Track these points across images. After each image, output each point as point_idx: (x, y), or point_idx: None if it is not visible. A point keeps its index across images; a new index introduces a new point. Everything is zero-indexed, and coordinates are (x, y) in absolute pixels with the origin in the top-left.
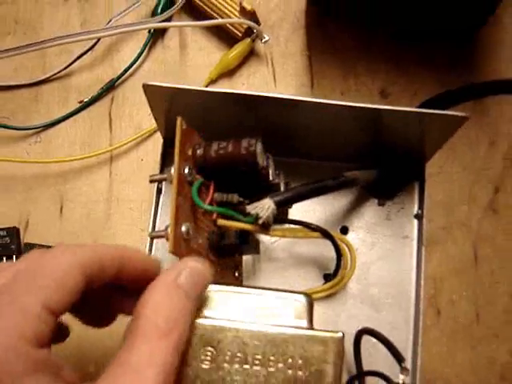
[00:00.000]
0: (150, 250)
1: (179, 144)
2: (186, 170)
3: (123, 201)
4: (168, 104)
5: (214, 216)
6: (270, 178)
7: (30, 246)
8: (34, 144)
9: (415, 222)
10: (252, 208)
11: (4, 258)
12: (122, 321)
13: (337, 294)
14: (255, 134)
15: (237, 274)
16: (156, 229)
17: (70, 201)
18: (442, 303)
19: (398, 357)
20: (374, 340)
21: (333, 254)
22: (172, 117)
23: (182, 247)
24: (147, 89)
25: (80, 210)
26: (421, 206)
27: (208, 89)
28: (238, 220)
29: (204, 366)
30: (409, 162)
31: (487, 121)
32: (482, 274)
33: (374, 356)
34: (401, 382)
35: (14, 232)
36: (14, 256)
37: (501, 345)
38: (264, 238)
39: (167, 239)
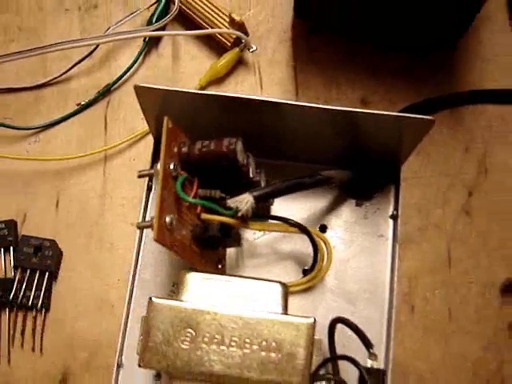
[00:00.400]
0: (140, 240)
1: (165, 141)
2: (171, 166)
3: (115, 197)
4: (158, 105)
5: (198, 210)
6: (251, 175)
7: (27, 238)
8: (33, 143)
9: (391, 221)
10: (232, 202)
11: (2, 249)
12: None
13: (315, 287)
14: (236, 135)
15: (220, 266)
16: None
17: (65, 196)
18: (416, 300)
19: (367, 343)
20: (349, 332)
21: (311, 250)
22: (161, 118)
23: (165, 236)
24: (138, 90)
25: (75, 206)
26: (396, 207)
27: (194, 90)
28: (220, 213)
29: (184, 347)
30: (385, 165)
31: (463, 128)
32: (455, 273)
33: (348, 346)
34: (369, 365)
35: (11, 224)
36: (12, 248)
37: (472, 342)
38: (247, 235)
39: (152, 228)
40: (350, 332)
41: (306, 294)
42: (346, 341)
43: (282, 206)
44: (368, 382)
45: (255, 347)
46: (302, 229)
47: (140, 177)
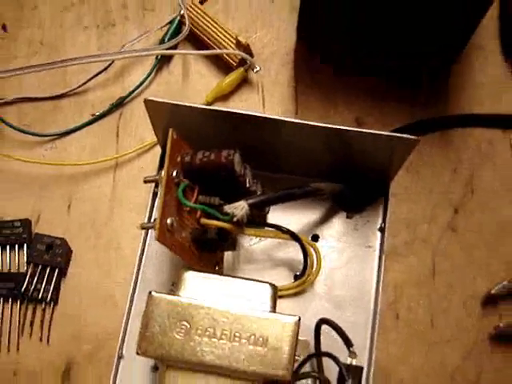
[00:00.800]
0: (144, 242)
1: (169, 151)
2: (174, 173)
3: (124, 202)
4: (166, 118)
5: (198, 215)
6: (247, 185)
7: (40, 236)
8: (49, 149)
9: (379, 234)
10: (228, 208)
11: (16, 246)
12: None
13: (305, 292)
14: (235, 147)
15: (217, 269)
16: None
17: (77, 200)
18: (400, 309)
19: (347, 342)
20: (335, 336)
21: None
22: (168, 129)
23: (166, 236)
24: (148, 104)
25: (86, 208)
26: (384, 220)
27: (198, 105)
28: (217, 218)
29: (178, 337)
30: (375, 181)
31: (452, 150)
32: (438, 286)
33: (333, 346)
34: (348, 362)
35: (26, 223)
36: (26, 244)
37: (452, 350)
38: (244, 241)
39: (154, 229)
40: (335, 335)
41: (297, 298)
42: (332, 343)
43: (278, 216)
44: (346, 377)
45: (244, 341)
46: (293, 236)
47: (146, 182)
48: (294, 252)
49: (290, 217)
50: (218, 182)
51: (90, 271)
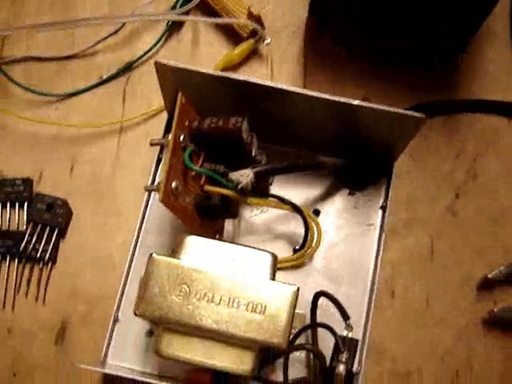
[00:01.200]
0: (146, 205)
1: (177, 115)
2: (181, 138)
3: (128, 166)
4: (174, 82)
5: (202, 181)
6: (253, 153)
7: (41, 196)
8: (55, 110)
9: (380, 212)
10: (233, 175)
11: (17, 204)
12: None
13: (304, 266)
14: (244, 115)
15: (217, 237)
16: (152, 192)
17: (80, 162)
18: (397, 287)
19: (344, 315)
20: (331, 310)
21: (303, 231)
22: (176, 94)
23: (170, 199)
24: (158, 66)
25: (88, 170)
26: (386, 199)
27: (209, 71)
28: (222, 186)
29: (177, 300)
30: (379, 159)
31: (457, 135)
32: (436, 266)
33: (328, 320)
34: (344, 335)
35: (28, 182)
36: (26, 203)
37: (445, 330)
38: (245, 212)
39: (159, 191)
40: (332, 309)
41: (295, 271)
42: (328, 317)
43: (280, 189)
44: (341, 349)
45: (242, 307)
46: (295, 208)
47: (152, 145)
48: (294, 225)
49: (293, 190)
50: (224, 149)
51: (89, 233)
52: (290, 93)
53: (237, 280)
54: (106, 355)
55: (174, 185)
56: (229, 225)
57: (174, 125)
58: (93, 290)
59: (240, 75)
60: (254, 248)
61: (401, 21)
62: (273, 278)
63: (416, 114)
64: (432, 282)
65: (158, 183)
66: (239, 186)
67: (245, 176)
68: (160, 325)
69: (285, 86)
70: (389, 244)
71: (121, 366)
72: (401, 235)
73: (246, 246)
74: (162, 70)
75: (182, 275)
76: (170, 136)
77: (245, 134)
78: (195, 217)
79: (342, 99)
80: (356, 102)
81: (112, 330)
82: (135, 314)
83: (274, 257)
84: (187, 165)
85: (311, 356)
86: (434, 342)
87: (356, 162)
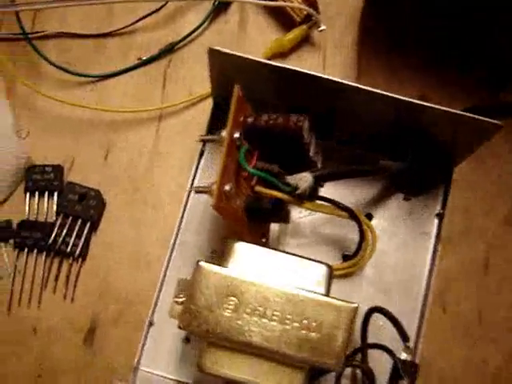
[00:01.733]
0: (186, 205)
1: (234, 110)
2: (237, 135)
3: (166, 157)
4: (227, 72)
5: (253, 182)
6: (311, 154)
7: (73, 185)
8: (90, 92)
9: (435, 220)
10: (292, 179)
11: (46, 193)
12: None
13: (353, 275)
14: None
15: (263, 241)
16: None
17: (116, 148)
18: (448, 300)
19: (404, 336)
20: (380, 323)
21: (353, 236)
22: (226, 83)
23: (222, 203)
24: (212, 53)
25: (124, 159)
26: (443, 206)
27: (270, 62)
28: (277, 188)
29: (226, 314)
30: (439, 164)
31: None
32: (490, 280)
33: (378, 337)
34: (402, 358)
35: (58, 170)
36: (56, 193)
37: (497, 349)
38: (292, 213)
39: (211, 195)
40: (381, 323)
41: (344, 280)
42: (376, 332)
43: (329, 191)
44: (402, 374)
45: (296, 324)
46: (351, 214)
47: (201, 141)
48: (342, 230)
49: (344, 192)
50: (280, 149)
51: (123, 228)
52: (350, 87)
53: (290, 294)
54: (139, 361)
55: (227, 188)
56: (274, 227)
57: (229, 121)
58: (125, 288)
59: (299, 68)
60: (309, 259)
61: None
62: (327, 292)
63: (491, 121)
64: (485, 297)
65: (211, 184)
66: (298, 192)
67: (304, 180)
68: (205, 339)
69: (347, 81)
70: (441, 253)
71: (154, 373)
72: (455, 245)
73: (299, 256)
74: (216, 57)
75: (232, 287)
76: (225, 133)
77: (305, 134)
78: (244, 220)
79: (407, 99)
80: (424, 104)
81: (146, 335)
82: (179, 328)
83: (330, 269)
84: (243, 166)
85: (357, 372)
86: (484, 359)
87: (414, 165)
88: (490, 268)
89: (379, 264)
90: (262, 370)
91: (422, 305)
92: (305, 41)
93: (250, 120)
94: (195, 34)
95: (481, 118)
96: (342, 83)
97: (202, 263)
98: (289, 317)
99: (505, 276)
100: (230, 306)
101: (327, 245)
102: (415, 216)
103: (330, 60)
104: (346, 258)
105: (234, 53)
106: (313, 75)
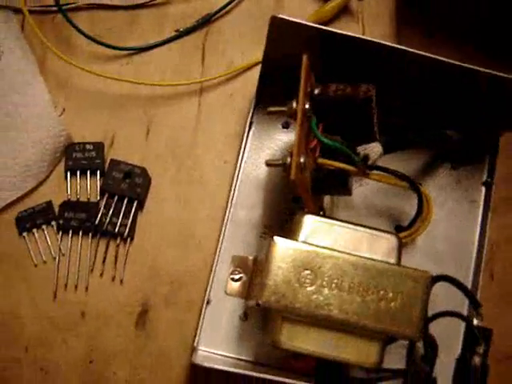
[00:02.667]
0: (237, 178)
1: (304, 80)
2: (307, 106)
3: (209, 132)
4: (288, 41)
5: (317, 154)
6: (374, 124)
7: (117, 163)
8: (125, 65)
9: (483, 188)
10: (362, 149)
11: (88, 172)
12: None
13: (405, 246)
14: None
15: (321, 213)
16: (243, 162)
17: (157, 124)
18: (495, 268)
19: (475, 303)
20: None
21: (405, 207)
22: (280, 53)
23: (299, 176)
24: (275, 21)
25: (166, 135)
26: (491, 175)
27: (338, 30)
28: (346, 158)
29: (303, 288)
30: (487, 133)
31: None
32: None
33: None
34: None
35: (100, 147)
36: (98, 171)
37: None
38: None
39: (285, 168)
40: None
41: None
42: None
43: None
44: (480, 339)
45: (374, 296)
46: (412, 184)
47: (270, 113)
48: (393, 201)
49: (390, 163)
50: (346, 119)
51: (169, 205)
52: (409, 53)
53: (366, 265)
54: (197, 341)
55: (302, 159)
56: (327, 200)
57: (301, 92)
58: (175, 268)
59: (367, 37)
60: (378, 229)
61: None
62: (398, 262)
63: None
64: None
65: (283, 157)
66: (369, 162)
67: (374, 150)
68: (279, 313)
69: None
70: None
71: (214, 352)
72: (499, 212)
73: (368, 227)
74: (280, 25)
75: (308, 260)
76: (297, 105)
77: (374, 104)
78: (309, 192)
79: (464, 64)
80: (481, 69)
81: (204, 313)
82: (258, 305)
83: (399, 240)
84: (317, 136)
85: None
86: None
87: (462, 133)
88: None
89: (430, 233)
90: (339, 343)
91: (473, 273)
92: (342, 11)
93: (317, 91)
94: (232, 4)
95: None
96: (404, 50)
97: (276, 238)
98: (366, 288)
99: None
100: (308, 280)
101: (379, 216)
102: (463, 185)
103: (369, 30)
104: (398, 229)
105: (300, 21)
106: (382, 44)
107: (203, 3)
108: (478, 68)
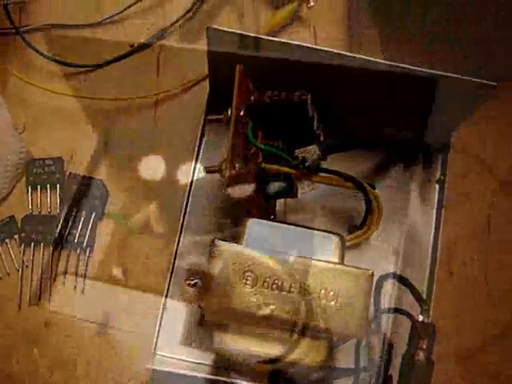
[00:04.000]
0: (191, 184)
1: (237, 88)
2: (242, 112)
3: (166, 140)
4: (226, 50)
5: (260, 159)
6: (314, 127)
7: (75, 176)
8: (83, 81)
9: (437, 186)
10: (299, 152)
11: (48, 186)
12: None
13: (360, 245)
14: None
15: (272, 218)
16: (196, 170)
17: (114, 137)
18: (454, 264)
19: (421, 299)
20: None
21: (358, 208)
22: (223, 63)
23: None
24: (210, 32)
25: (124, 147)
26: (443, 172)
27: (274, 38)
28: (285, 161)
29: (245, 289)
30: (437, 131)
31: None
32: (493, 241)
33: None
34: (420, 320)
35: (59, 162)
36: (58, 185)
37: (503, 308)
38: None
39: (222, 174)
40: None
41: (352, 251)
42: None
43: (330, 163)
44: (422, 335)
45: (315, 295)
46: (357, 184)
47: (210, 121)
48: (345, 202)
49: (344, 164)
50: (284, 124)
51: (127, 216)
52: (347, 57)
53: (306, 265)
54: (156, 347)
55: (237, 166)
56: (279, 204)
57: (234, 99)
58: (135, 277)
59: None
60: (320, 230)
61: None
62: (342, 262)
63: (486, 82)
64: (491, 259)
65: (220, 163)
66: (306, 164)
67: (311, 153)
68: (223, 318)
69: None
70: (444, 218)
71: (171, 356)
72: (456, 210)
73: (311, 228)
74: (214, 36)
75: (248, 262)
76: (231, 111)
77: (309, 107)
78: (255, 199)
79: (406, 66)
80: (420, 69)
81: (160, 319)
82: (199, 307)
83: (342, 239)
84: (252, 142)
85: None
86: (493, 319)
87: (412, 133)
88: (492, 230)
89: (385, 232)
90: (286, 344)
91: (429, 270)
92: (295, 19)
93: (253, 97)
94: (185, 18)
95: (476, 79)
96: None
97: (217, 242)
98: (307, 288)
99: (507, 238)
100: (249, 282)
101: (332, 218)
102: (416, 183)
103: (321, 36)
104: (352, 229)
105: (234, 31)
106: (319, 49)
107: (157, 19)
108: (421, 69)
